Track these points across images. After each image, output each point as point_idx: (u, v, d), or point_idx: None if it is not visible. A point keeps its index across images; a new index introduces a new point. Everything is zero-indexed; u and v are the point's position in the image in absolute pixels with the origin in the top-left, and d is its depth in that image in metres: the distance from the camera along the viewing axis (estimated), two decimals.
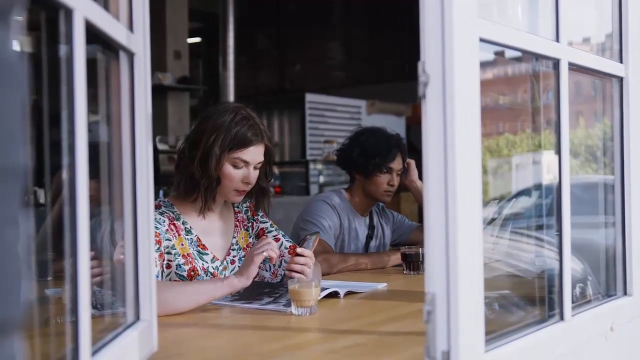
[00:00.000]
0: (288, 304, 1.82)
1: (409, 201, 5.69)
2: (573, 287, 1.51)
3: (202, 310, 1.85)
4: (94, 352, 1.03)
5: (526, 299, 1.63)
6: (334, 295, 2.01)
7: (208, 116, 2.09)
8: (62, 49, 0.95)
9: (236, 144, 2.05)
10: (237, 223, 2.25)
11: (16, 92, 0.52)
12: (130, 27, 1.27)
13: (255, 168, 2.10)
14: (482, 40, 1.18)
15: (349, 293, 2.07)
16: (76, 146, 0.95)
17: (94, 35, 1.04)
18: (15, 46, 0.55)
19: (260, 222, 2.29)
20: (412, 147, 5.53)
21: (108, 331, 1.20)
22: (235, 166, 2.07)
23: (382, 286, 2.24)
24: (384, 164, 2.83)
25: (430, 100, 1.11)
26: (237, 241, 2.22)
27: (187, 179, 2.08)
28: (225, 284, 1.86)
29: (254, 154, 2.08)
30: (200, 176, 2.05)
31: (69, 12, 0.93)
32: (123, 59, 1.26)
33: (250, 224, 2.28)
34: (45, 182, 1.06)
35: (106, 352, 1.09)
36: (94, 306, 1.16)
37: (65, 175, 0.95)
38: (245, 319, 1.79)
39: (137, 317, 1.29)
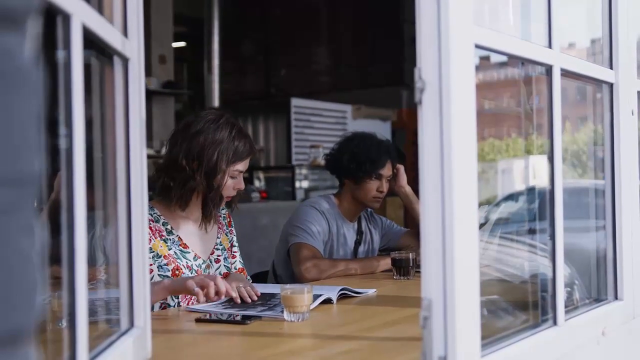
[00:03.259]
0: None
1: (394, 206, 5.69)
2: None
3: (195, 317, 1.83)
4: None
5: (518, 304, 1.63)
6: (326, 301, 2.01)
7: (201, 130, 2.13)
8: (59, 54, 0.94)
9: (237, 157, 2.16)
10: (220, 225, 2.33)
11: (32, 99, 0.51)
12: (125, 33, 1.27)
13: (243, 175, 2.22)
14: (477, 46, 1.18)
15: (342, 295, 2.07)
16: (74, 151, 0.94)
17: (89, 40, 1.03)
18: (30, 53, 0.54)
19: (233, 235, 2.39)
20: (398, 152, 5.52)
21: (102, 338, 1.19)
22: (232, 177, 2.17)
23: (371, 292, 2.24)
24: (374, 170, 2.83)
25: (427, 106, 1.11)
26: (220, 241, 2.30)
27: (188, 191, 2.13)
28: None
29: (247, 163, 2.21)
30: (206, 190, 2.13)
31: (66, 18, 0.92)
32: (117, 64, 1.25)
33: (229, 230, 2.38)
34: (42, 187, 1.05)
35: (101, 359, 1.08)
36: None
37: (62, 179, 0.94)
38: (238, 326, 1.78)
39: (132, 324, 1.28)
